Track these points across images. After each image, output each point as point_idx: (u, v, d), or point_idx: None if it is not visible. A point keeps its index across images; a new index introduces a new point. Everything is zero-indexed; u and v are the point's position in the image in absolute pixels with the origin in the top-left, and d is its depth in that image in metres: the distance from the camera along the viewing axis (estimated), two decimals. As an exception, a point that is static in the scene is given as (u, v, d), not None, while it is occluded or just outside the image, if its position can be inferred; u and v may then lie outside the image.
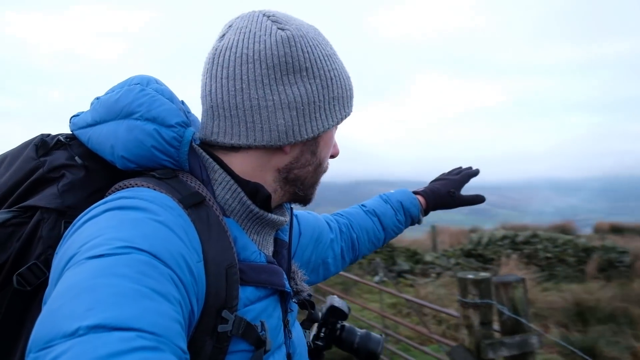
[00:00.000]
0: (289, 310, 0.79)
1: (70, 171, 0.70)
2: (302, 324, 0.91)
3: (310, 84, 0.71)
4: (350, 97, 0.79)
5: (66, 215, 0.67)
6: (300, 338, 0.85)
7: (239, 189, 0.72)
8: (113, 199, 0.62)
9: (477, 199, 1.27)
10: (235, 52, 0.70)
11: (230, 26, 0.74)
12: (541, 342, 2.64)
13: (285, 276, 0.77)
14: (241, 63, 0.69)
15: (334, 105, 0.75)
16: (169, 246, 0.55)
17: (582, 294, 6.63)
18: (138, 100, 0.69)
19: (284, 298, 0.76)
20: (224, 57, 0.71)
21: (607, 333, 5.42)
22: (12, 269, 0.63)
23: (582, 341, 4.95)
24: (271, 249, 0.81)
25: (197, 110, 0.80)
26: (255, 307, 0.68)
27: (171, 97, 0.72)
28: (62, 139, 0.75)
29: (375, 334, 1.21)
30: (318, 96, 0.72)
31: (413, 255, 10.35)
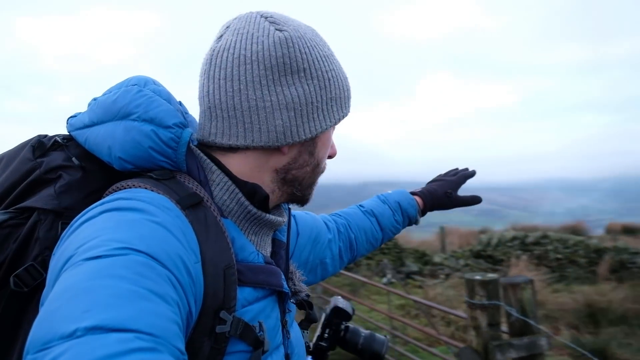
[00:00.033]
0: (287, 310, 0.79)
1: (68, 172, 0.70)
2: (300, 324, 0.91)
3: (308, 84, 0.71)
4: (348, 98, 0.79)
5: (63, 216, 0.67)
6: (299, 338, 0.85)
7: (237, 190, 0.72)
8: (110, 200, 0.62)
9: (474, 200, 1.28)
10: (233, 53, 0.70)
11: (227, 27, 0.74)
12: (550, 344, 2.61)
13: (283, 277, 0.77)
14: (239, 64, 0.69)
15: (331, 105, 0.75)
16: (166, 247, 0.55)
17: (593, 295, 6.56)
18: (135, 101, 0.69)
19: (282, 298, 0.76)
20: (221, 58, 0.71)
21: (619, 335, 5.35)
22: (9, 271, 0.63)
23: (593, 343, 4.89)
24: (269, 249, 0.81)
25: (194, 111, 0.79)
26: (253, 307, 0.68)
27: (168, 98, 0.72)
28: (59, 140, 0.75)
29: (379, 335, 1.21)
30: (316, 97, 0.72)
31: (422, 257, 10.30)
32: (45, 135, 0.76)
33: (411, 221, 1.25)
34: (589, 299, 6.37)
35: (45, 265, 0.62)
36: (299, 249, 1.00)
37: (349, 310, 1.22)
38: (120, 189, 0.66)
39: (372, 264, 8.95)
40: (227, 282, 0.63)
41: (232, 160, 0.73)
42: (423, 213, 1.27)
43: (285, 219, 0.83)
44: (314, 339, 1.19)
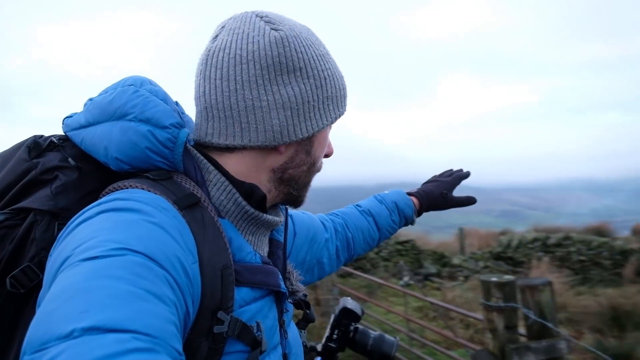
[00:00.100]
0: (284, 310, 0.79)
1: (64, 173, 0.70)
2: (297, 324, 0.90)
3: (304, 83, 0.71)
4: (344, 97, 0.79)
5: (59, 217, 0.66)
6: (296, 338, 0.85)
7: (234, 190, 0.71)
8: (107, 200, 0.62)
9: (469, 201, 1.29)
10: (229, 53, 0.70)
11: (223, 27, 0.74)
12: (570, 348, 2.55)
13: (280, 276, 0.76)
14: (235, 64, 0.69)
15: (328, 104, 0.75)
16: (163, 248, 0.55)
17: (618, 298, 6.37)
18: (132, 102, 0.69)
19: (279, 298, 0.76)
20: (217, 58, 0.71)
21: (645, 339, 5.18)
22: (5, 272, 0.63)
23: (617, 347, 4.75)
24: (266, 249, 0.81)
25: (191, 111, 0.80)
26: (250, 307, 0.68)
27: (165, 98, 0.72)
28: (55, 141, 0.75)
29: (388, 336, 1.20)
30: (312, 96, 0.72)
31: (440, 258, 10.19)
32: (41, 136, 0.76)
33: (407, 221, 1.25)
34: (613, 302, 6.19)
35: (41, 266, 0.62)
36: (296, 248, 1.00)
37: (358, 311, 1.21)
38: (117, 190, 0.66)
39: (390, 266, 8.90)
40: (224, 282, 0.63)
41: (229, 160, 0.73)
42: (419, 213, 1.27)
43: (282, 219, 0.83)
44: (323, 340, 1.19)
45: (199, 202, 0.66)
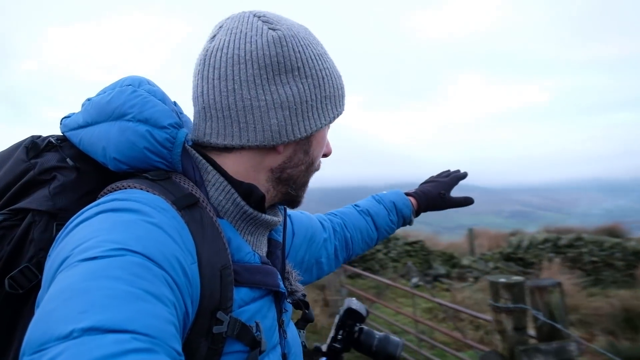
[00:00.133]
0: (283, 310, 0.78)
1: (62, 173, 0.70)
2: (296, 324, 0.90)
3: (302, 83, 0.71)
4: (342, 96, 0.79)
5: (58, 217, 0.66)
6: (295, 338, 0.84)
7: (233, 190, 0.71)
8: (106, 201, 0.62)
9: (466, 201, 1.29)
10: (227, 53, 0.69)
11: (220, 27, 0.73)
12: (581, 350, 2.52)
13: (279, 276, 0.76)
14: (233, 64, 0.69)
15: (326, 104, 0.75)
16: (162, 248, 0.55)
17: (631, 299, 6.27)
18: (130, 102, 0.69)
19: (278, 298, 0.76)
20: (215, 58, 0.70)
21: (659, 341, 5.10)
22: (4, 272, 0.63)
23: (630, 349, 4.67)
24: (265, 249, 0.81)
25: (189, 111, 0.79)
26: (249, 308, 0.68)
27: (163, 98, 0.72)
28: (53, 141, 0.74)
29: (394, 337, 1.20)
30: (310, 95, 0.72)
31: (449, 259, 10.13)
32: (39, 136, 0.76)
33: (405, 221, 1.25)
34: (626, 304, 6.10)
35: (40, 267, 0.61)
36: (294, 248, 1.00)
37: (363, 311, 1.21)
38: (115, 190, 0.66)
39: (399, 267, 8.86)
40: (223, 282, 0.62)
41: (228, 160, 0.73)
42: (417, 214, 1.28)
43: (281, 219, 0.83)
44: (328, 340, 1.19)
45: (197, 202, 0.66)
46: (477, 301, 6.46)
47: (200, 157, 0.72)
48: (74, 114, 0.76)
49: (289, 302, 0.84)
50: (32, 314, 0.49)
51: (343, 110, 0.79)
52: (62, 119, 0.77)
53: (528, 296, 2.56)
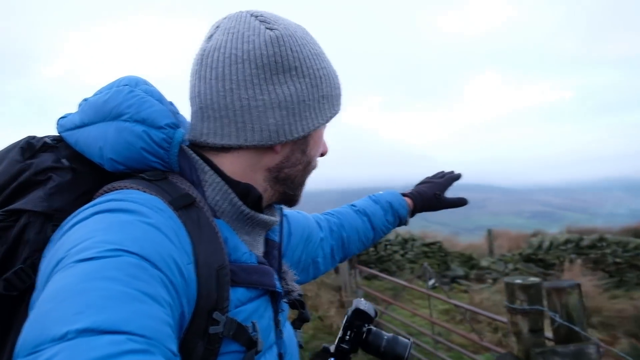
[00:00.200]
0: (280, 310, 0.78)
1: (58, 174, 0.69)
2: (292, 324, 0.89)
3: (299, 83, 0.71)
4: (339, 96, 0.79)
5: (53, 218, 0.65)
6: (291, 338, 0.84)
7: (230, 190, 0.71)
8: (102, 201, 0.61)
9: (461, 202, 1.31)
10: (224, 53, 0.69)
11: (217, 27, 0.73)
12: (600, 353, 2.46)
13: (276, 276, 0.76)
14: (230, 63, 0.69)
15: (323, 103, 0.75)
16: (159, 248, 0.55)
17: (656, 302, 6.10)
18: (127, 102, 0.68)
19: (275, 298, 0.76)
20: (212, 57, 0.70)
21: (685, 345, 4.94)
22: None
23: (655, 353, 4.54)
24: (262, 249, 0.81)
25: (185, 111, 0.79)
26: (246, 308, 0.68)
27: (160, 98, 0.72)
28: (49, 141, 0.74)
29: (402, 338, 1.19)
30: (308, 95, 0.72)
31: (468, 260, 10.00)
32: (34, 137, 0.75)
33: (401, 221, 1.26)
34: (651, 306, 5.93)
35: (35, 268, 0.61)
36: (291, 248, 1.00)
37: (371, 312, 1.21)
38: (111, 190, 0.66)
39: (416, 268, 8.79)
40: (220, 282, 0.62)
41: (225, 160, 0.73)
42: (412, 214, 1.28)
43: (278, 219, 0.83)
44: (336, 341, 1.19)
45: (194, 202, 0.66)
46: (496, 303, 6.37)
47: (197, 157, 0.72)
48: (70, 114, 0.76)
49: (285, 301, 0.84)
50: (26, 315, 0.49)
51: (340, 109, 0.79)
52: (58, 119, 0.77)
53: (545, 298, 2.52)
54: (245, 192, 0.72)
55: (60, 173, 0.70)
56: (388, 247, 10.00)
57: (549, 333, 2.52)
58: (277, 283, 0.76)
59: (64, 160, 0.71)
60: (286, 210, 0.99)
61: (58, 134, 0.76)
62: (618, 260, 8.64)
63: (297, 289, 0.86)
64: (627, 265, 8.49)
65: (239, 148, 0.72)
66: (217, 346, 0.62)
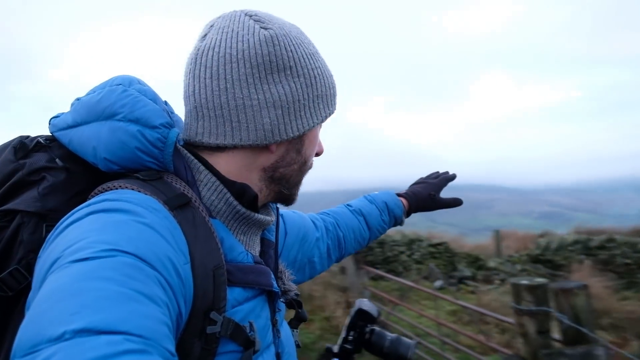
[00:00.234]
0: (276, 309, 0.78)
1: (51, 174, 0.69)
2: (289, 323, 0.90)
3: (294, 82, 0.71)
4: (334, 95, 0.79)
5: (47, 218, 0.65)
6: (288, 337, 0.84)
7: (225, 190, 0.71)
8: (97, 201, 0.61)
9: (455, 202, 1.31)
10: (219, 52, 0.69)
11: (211, 26, 0.73)
12: (609, 355, 2.43)
13: (272, 276, 0.76)
14: (225, 62, 0.69)
15: (318, 103, 0.74)
16: (155, 248, 0.55)
17: (667, 303, 6.02)
18: (121, 101, 0.68)
19: (271, 298, 0.76)
20: (206, 57, 0.70)
21: (697, 347, 4.86)
22: None
23: (666, 356, 4.48)
24: (258, 249, 0.81)
25: (179, 110, 0.79)
26: (243, 307, 0.68)
27: (154, 98, 0.72)
28: (42, 141, 0.73)
29: (406, 339, 1.19)
30: (302, 94, 0.72)
31: (475, 261, 9.93)
32: (27, 136, 0.75)
33: (397, 221, 1.27)
34: (662, 308, 5.85)
35: (29, 269, 0.61)
36: (287, 248, 1.00)
37: (374, 312, 1.20)
38: (106, 190, 0.66)
39: (423, 269, 8.76)
40: (216, 282, 0.62)
41: (220, 160, 0.73)
42: (408, 214, 1.29)
43: (274, 218, 0.83)
44: (339, 341, 1.19)
45: (189, 202, 0.66)
46: (503, 304, 6.31)
47: (192, 157, 0.71)
48: (62, 113, 0.76)
49: (282, 301, 0.84)
50: (22, 316, 0.49)
51: (335, 109, 0.79)
52: (51, 118, 0.77)
53: (553, 299, 2.50)
54: (240, 191, 0.72)
55: (54, 173, 0.69)
56: (394, 247, 9.97)
57: (556, 335, 2.49)
58: (274, 283, 0.76)
59: (57, 160, 0.71)
60: (282, 209, 0.99)
61: (51, 134, 0.75)
62: (628, 261, 8.54)
63: (294, 288, 0.86)
64: (637, 266, 8.38)
65: (234, 147, 0.72)
66: (214, 346, 0.61)
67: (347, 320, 1.20)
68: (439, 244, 10.33)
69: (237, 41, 0.69)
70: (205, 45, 0.71)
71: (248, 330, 0.65)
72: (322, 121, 0.77)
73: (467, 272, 9.19)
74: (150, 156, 0.68)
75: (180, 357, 0.56)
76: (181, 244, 0.60)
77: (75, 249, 0.51)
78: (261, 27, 0.70)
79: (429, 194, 1.28)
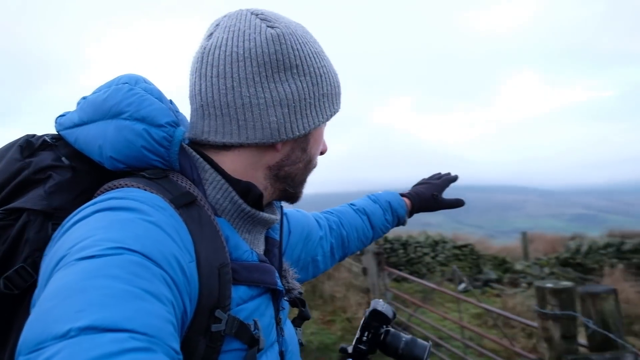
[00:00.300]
0: (280, 308, 0.78)
1: (57, 172, 0.69)
2: (293, 322, 0.89)
3: (300, 81, 0.71)
4: (339, 94, 0.79)
5: (53, 217, 0.65)
6: (292, 336, 0.84)
7: (230, 189, 0.71)
8: (103, 199, 0.61)
9: (457, 203, 1.32)
10: (225, 51, 0.69)
11: (217, 25, 0.73)
12: (639, 362, 2.35)
13: (277, 274, 0.76)
14: (231, 61, 0.69)
15: (323, 102, 0.74)
16: (160, 247, 0.54)
17: None
18: (127, 100, 0.68)
19: (276, 296, 0.76)
20: (213, 55, 0.70)
21: None
22: None
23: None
24: (262, 247, 0.81)
25: (184, 109, 0.76)
26: (248, 306, 0.68)
27: (160, 97, 0.72)
28: (48, 140, 0.73)
29: (421, 340, 1.18)
30: (308, 93, 0.72)
31: (501, 264, 9.73)
32: (34, 135, 0.75)
33: (400, 221, 1.26)
34: (700, 315, 5.60)
35: (35, 267, 0.61)
36: (290, 246, 1.00)
37: (389, 313, 1.20)
38: (112, 189, 0.66)
39: (447, 271, 8.63)
40: (221, 280, 0.62)
41: (226, 158, 0.73)
42: (410, 214, 1.30)
43: (278, 217, 0.83)
44: (353, 342, 1.19)
45: (195, 200, 0.66)
46: (529, 308, 6.17)
47: (198, 156, 0.72)
48: (69, 112, 0.76)
49: (286, 300, 0.84)
50: (27, 314, 0.49)
51: (339, 108, 0.79)
52: (57, 117, 0.77)
53: (579, 303, 2.43)
54: (246, 190, 0.72)
55: (60, 171, 0.69)
56: (418, 249, 9.86)
57: (583, 340, 2.42)
58: (278, 281, 0.76)
59: (63, 159, 0.71)
60: (286, 208, 0.99)
61: (57, 132, 0.76)
62: (663, 265, 8.21)
63: (298, 287, 0.86)
64: (674, 271, 8.05)
65: (240, 146, 0.72)
66: (219, 344, 0.61)
67: (362, 321, 1.20)
68: (464, 246, 10.17)
69: (243, 40, 0.69)
70: (211, 44, 0.71)
71: (252, 329, 0.66)
72: (328, 120, 0.77)
73: (493, 274, 9.01)
74: (156, 155, 0.68)
75: (185, 355, 0.56)
76: (187, 242, 0.60)
77: (82, 247, 0.51)
78: (268, 26, 0.70)
79: (432, 194, 1.29)
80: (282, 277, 0.84)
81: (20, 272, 0.61)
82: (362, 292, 6.58)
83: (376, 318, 1.18)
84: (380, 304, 1.21)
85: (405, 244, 9.90)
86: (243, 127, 0.70)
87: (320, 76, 0.73)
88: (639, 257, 8.64)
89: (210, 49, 0.71)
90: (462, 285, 7.56)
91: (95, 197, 0.66)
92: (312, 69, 0.72)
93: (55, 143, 0.74)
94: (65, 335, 0.41)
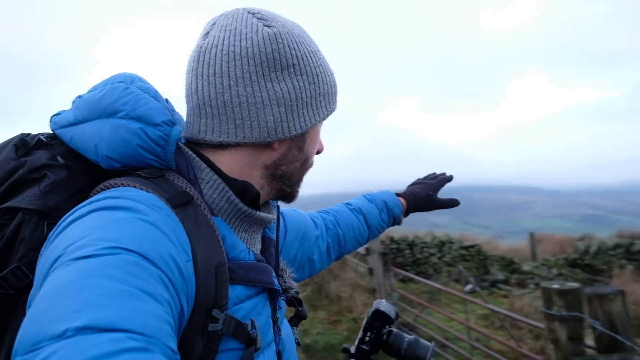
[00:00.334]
0: (277, 307, 0.78)
1: (52, 171, 0.68)
2: (290, 321, 0.89)
3: (297, 80, 0.71)
4: (335, 94, 0.78)
5: (49, 216, 0.65)
6: (289, 335, 0.84)
7: (227, 188, 0.71)
8: (99, 199, 0.60)
9: (452, 203, 1.33)
10: (222, 50, 0.69)
11: (214, 24, 0.73)
12: (648, 364, 2.32)
13: (274, 274, 0.76)
14: (228, 60, 0.68)
15: (320, 101, 0.74)
16: (157, 246, 0.54)
17: None
18: (123, 99, 0.67)
19: (273, 296, 0.76)
20: (209, 54, 0.70)
21: None
22: None
23: None
24: (259, 247, 0.81)
25: (180, 108, 0.75)
26: (244, 305, 0.67)
27: (156, 96, 0.71)
28: (43, 139, 0.73)
29: (424, 341, 1.17)
30: (305, 92, 0.72)
31: (509, 265, 9.67)
32: (28, 134, 0.74)
33: (395, 221, 1.27)
34: None
35: (31, 267, 0.60)
36: (287, 246, 1.00)
37: (392, 314, 1.19)
38: (108, 188, 0.65)
39: (454, 271, 8.59)
40: (218, 280, 0.62)
41: (222, 158, 0.73)
42: (406, 214, 1.30)
43: (275, 216, 0.83)
44: (356, 342, 1.19)
45: (191, 200, 0.66)
46: (537, 309, 6.12)
47: (194, 155, 0.71)
48: (64, 111, 0.75)
49: (283, 299, 0.84)
50: (23, 314, 0.48)
51: (336, 107, 0.79)
52: (52, 116, 0.76)
53: (586, 304, 2.40)
54: (242, 189, 0.72)
55: (55, 171, 0.69)
56: (425, 249, 9.83)
57: (590, 341, 2.40)
58: (275, 280, 0.76)
59: (59, 158, 0.71)
60: (282, 207, 0.98)
61: (52, 131, 0.75)
62: (673, 266, 8.11)
63: (294, 286, 0.86)
64: (684, 272, 7.95)
65: (236, 145, 0.72)
66: (216, 344, 0.61)
67: (364, 321, 1.19)
68: (471, 247, 10.11)
69: (240, 39, 0.69)
70: (208, 43, 0.71)
71: (250, 328, 0.65)
72: (324, 119, 0.77)
73: (500, 275, 8.95)
74: (153, 154, 0.67)
75: (182, 355, 0.56)
76: (183, 242, 0.60)
77: (78, 247, 0.51)
78: (264, 25, 0.70)
79: (427, 194, 1.30)
80: (278, 276, 0.84)
81: (16, 272, 0.61)
82: (368, 292, 6.57)
83: (379, 318, 1.18)
84: (382, 304, 1.20)
85: (411, 245, 9.87)
86: (240, 126, 0.70)
87: (317, 75, 0.73)
88: (648, 258, 8.55)
89: (206, 47, 0.71)
90: (469, 286, 7.52)
91: (91, 196, 0.66)
92: (308, 69, 0.72)
93: (50, 142, 0.73)
94: (62, 336, 0.41)
